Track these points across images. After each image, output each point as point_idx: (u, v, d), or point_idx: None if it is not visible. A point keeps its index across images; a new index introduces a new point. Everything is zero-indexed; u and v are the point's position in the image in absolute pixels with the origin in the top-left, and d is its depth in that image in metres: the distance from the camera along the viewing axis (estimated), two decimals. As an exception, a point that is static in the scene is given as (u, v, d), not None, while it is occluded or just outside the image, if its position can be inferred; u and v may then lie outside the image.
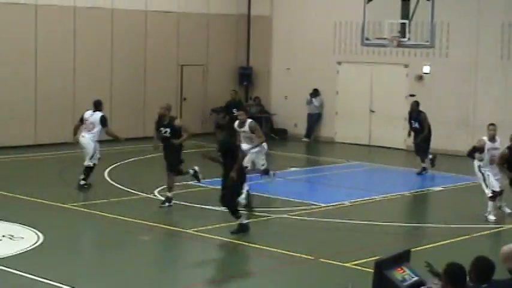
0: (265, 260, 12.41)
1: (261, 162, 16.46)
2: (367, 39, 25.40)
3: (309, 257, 12.26)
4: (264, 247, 12.71)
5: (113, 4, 25.69)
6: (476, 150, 15.41)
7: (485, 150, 15.14)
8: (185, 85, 27.83)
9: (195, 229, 13.73)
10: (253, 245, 12.94)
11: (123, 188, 17.58)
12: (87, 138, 17.35)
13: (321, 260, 12.14)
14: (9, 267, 11.21)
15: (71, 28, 24.82)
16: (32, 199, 16.04)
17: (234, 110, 20.25)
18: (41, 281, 10.67)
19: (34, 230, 13.33)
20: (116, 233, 14.33)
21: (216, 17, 28.47)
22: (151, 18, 26.67)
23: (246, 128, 16.06)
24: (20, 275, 10.92)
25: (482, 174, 15.21)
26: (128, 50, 26.15)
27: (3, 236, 13.00)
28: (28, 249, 12.35)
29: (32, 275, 10.89)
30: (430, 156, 20.18)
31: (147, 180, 18.47)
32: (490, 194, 15.03)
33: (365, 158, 23.25)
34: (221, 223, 14.21)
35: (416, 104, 20.43)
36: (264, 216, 15.24)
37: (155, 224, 14.38)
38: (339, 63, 26.78)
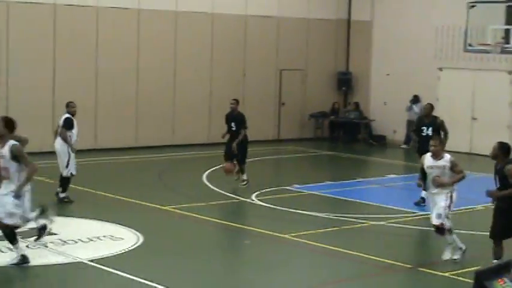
0: (361, 266, 12.24)
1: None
2: (469, 45, 24.83)
3: (407, 266, 12.06)
4: (360, 254, 12.54)
5: (213, 9, 26.00)
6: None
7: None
8: (284, 90, 27.92)
9: (294, 234, 13.67)
10: (349, 252, 12.78)
11: (221, 191, 17.73)
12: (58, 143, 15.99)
13: (419, 269, 11.91)
14: (109, 267, 11.40)
15: (172, 33, 25.27)
16: (132, 200, 16.36)
17: (232, 125, 18.38)
18: (139, 281, 10.81)
19: (134, 231, 13.55)
20: (215, 236, 14.51)
21: (315, 22, 28.46)
22: (251, 23, 26.87)
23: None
24: (119, 274, 11.08)
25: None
26: (228, 54, 26.42)
27: (104, 236, 13.27)
28: (128, 249, 12.55)
29: (130, 275, 11.04)
30: None
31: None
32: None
33: (466, 166, 22.60)
34: (319, 229, 14.17)
35: (430, 108, 17.34)
36: (360, 223, 15.06)
37: (252, 228, 14.42)
38: (440, 69, 26.39)
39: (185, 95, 25.51)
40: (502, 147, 11.22)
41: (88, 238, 13.25)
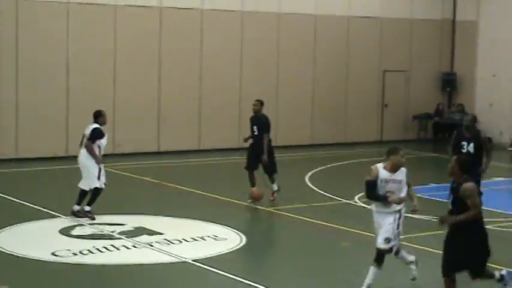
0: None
1: None
2: None
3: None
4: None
5: (316, 10, 26.04)
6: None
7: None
8: (387, 91, 27.74)
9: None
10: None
11: (324, 192, 17.69)
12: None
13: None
14: (212, 267, 11.53)
15: (275, 34, 25.43)
16: (234, 201, 16.52)
17: (255, 128, 16.30)
18: (241, 281, 10.90)
19: (237, 231, 13.69)
20: (315, 237, 14.41)
21: (419, 22, 28.16)
22: (354, 24, 26.79)
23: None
24: (223, 275, 11.18)
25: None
26: (331, 55, 26.42)
27: (208, 236, 13.42)
28: (231, 250, 12.68)
29: (234, 275, 11.13)
30: None
31: (347, 186, 18.47)
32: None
33: None
34: (423, 232, 13.90)
35: (473, 121, 14.75)
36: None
37: (354, 230, 14.28)
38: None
39: (287, 97, 25.65)
40: (459, 162, 9.25)
41: (192, 238, 13.41)
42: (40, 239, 13.48)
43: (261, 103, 16.33)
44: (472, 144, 13.74)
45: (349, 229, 14.37)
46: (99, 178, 14.26)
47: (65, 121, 22.57)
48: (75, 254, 12.38)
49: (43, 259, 12.15)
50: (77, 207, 14.39)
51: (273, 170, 16.24)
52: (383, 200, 10.11)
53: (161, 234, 13.72)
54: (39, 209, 15.58)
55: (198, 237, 13.34)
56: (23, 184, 19.11)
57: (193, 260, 12.00)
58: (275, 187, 16.30)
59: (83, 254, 12.43)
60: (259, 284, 10.69)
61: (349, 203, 16.78)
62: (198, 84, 24.38)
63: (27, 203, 16.26)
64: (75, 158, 15.04)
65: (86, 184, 14.32)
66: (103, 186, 14.40)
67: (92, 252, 12.48)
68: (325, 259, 12.89)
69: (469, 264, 9.27)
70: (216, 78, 24.48)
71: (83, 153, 14.30)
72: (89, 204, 14.36)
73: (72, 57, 22.49)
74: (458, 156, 9.49)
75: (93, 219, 14.22)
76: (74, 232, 13.92)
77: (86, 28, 22.75)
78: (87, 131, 14.28)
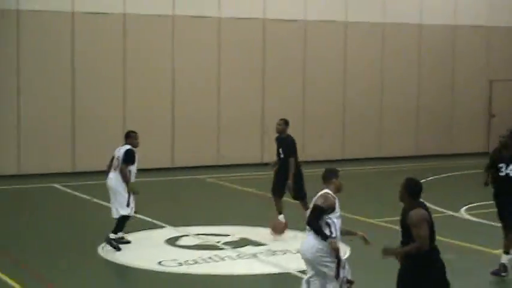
0: None
1: None
2: None
3: None
4: None
5: (421, 20, 25.85)
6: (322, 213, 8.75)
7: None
8: (494, 101, 27.14)
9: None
10: None
11: (429, 204, 17.31)
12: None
13: None
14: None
15: (379, 44, 25.32)
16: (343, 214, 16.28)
17: (280, 151, 14.44)
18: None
19: (342, 242, 13.56)
20: None
21: (528, 31, 27.48)
22: (460, 33, 26.55)
23: None
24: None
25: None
26: (436, 65, 26.14)
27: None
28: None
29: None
30: None
31: (454, 197, 18.14)
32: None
33: None
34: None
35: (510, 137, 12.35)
36: None
37: (459, 243, 13.93)
38: None
39: (392, 107, 25.50)
40: (408, 185, 8.02)
41: (296, 250, 13.03)
42: (146, 249, 13.67)
43: (286, 122, 14.46)
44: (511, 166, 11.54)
45: (454, 241, 14.06)
46: (128, 205, 13.12)
47: (171, 131, 23.16)
48: (181, 264, 12.53)
49: (150, 269, 12.34)
50: (112, 235, 13.07)
51: (303, 195, 14.40)
52: (325, 240, 8.55)
53: (265, 245, 13.78)
54: (146, 220, 15.79)
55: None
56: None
57: (298, 271, 11.89)
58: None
59: (189, 263, 12.57)
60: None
61: (455, 215, 16.47)
62: (302, 94, 24.54)
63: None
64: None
65: (114, 211, 13.18)
66: (132, 214, 13.25)
67: (198, 263, 12.62)
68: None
69: None
70: (320, 89, 24.57)
71: (113, 177, 13.16)
72: (114, 232, 13.02)
73: (178, 69, 23.03)
74: (406, 180, 8.02)
75: (119, 249, 12.92)
76: (180, 242, 14.13)
77: (190, 41, 23.25)
78: (119, 153, 13.18)
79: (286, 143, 14.23)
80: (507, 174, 11.53)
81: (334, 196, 8.78)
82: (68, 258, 12.96)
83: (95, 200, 17.79)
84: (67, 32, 21.55)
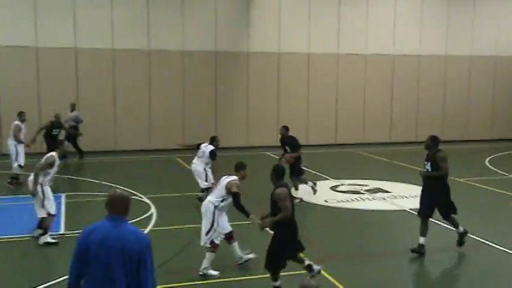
0: None
1: None
2: None
3: None
4: None
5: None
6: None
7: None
8: None
9: None
10: None
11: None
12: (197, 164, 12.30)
13: None
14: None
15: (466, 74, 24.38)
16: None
17: (287, 148, 13.18)
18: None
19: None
20: (491, 199, 13.32)
21: None
22: None
23: None
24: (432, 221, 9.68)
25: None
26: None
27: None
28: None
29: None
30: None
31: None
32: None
33: None
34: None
35: None
36: None
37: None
38: None
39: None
40: (275, 169, 7.32)
41: (410, 195, 13.25)
42: (318, 192, 13.49)
43: (286, 128, 13.33)
44: None
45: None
46: (206, 180, 12.28)
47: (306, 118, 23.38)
48: (339, 202, 12.92)
49: (319, 204, 12.70)
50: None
51: (297, 175, 12.98)
52: (246, 215, 8.05)
53: (390, 192, 13.81)
54: (316, 174, 15.88)
55: (416, 195, 12.63)
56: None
57: (409, 209, 11.98)
58: (310, 183, 13.20)
59: (343, 201, 12.94)
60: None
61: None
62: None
63: (305, 168, 16.60)
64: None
65: (201, 182, 12.35)
66: (210, 185, 12.04)
67: (348, 201, 12.94)
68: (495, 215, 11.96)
69: (277, 258, 7.22)
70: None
71: (196, 162, 12.42)
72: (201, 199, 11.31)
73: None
74: (274, 166, 7.36)
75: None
76: (338, 188, 14.35)
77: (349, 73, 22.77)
78: (207, 149, 12.35)
79: (291, 142, 13.05)
80: None
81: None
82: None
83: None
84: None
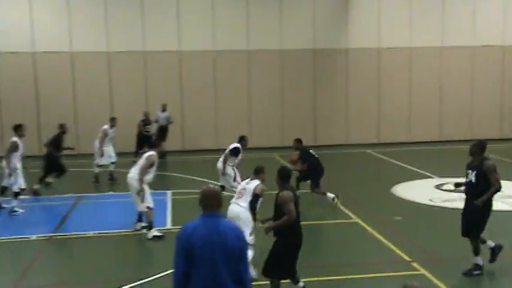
0: None
1: None
2: None
3: None
4: None
5: None
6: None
7: None
8: None
9: None
10: None
11: None
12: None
13: None
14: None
15: None
16: None
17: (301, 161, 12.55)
18: None
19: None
20: None
21: None
22: None
23: None
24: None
25: None
26: None
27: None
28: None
29: None
30: None
31: None
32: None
33: None
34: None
35: None
36: None
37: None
38: None
39: None
40: (280, 172, 7.09)
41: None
42: (422, 190, 13.67)
43: (298, 141, 12.74)
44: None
45: None
46: (235, 180, 12.01)
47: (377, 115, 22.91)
48: (444, 201, 12.59)
49: (422, 203, 12.46)
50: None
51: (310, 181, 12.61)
52: (253, 217, 8.13)
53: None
54: (419, 172, 15.85)
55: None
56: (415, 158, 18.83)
57: None
58: (330, 196, 12.46)
59: (449, 201, 12.56)
60: None
61: None
62: None
63: (408, 166, 16.71)
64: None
65: (224, 182, 12.21)
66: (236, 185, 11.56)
67: (456, 200, 12.10)
68: None
69: (280, 268, 7.01)
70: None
71: (220, 160, 12.28)
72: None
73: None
74: (280, 167, 7.21)
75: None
76: (444, 187, 13.98)
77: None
78: (230, 146, 12.33)
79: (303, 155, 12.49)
80: None
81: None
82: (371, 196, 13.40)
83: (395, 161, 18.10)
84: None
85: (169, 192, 13.72)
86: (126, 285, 8.00)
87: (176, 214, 11.79)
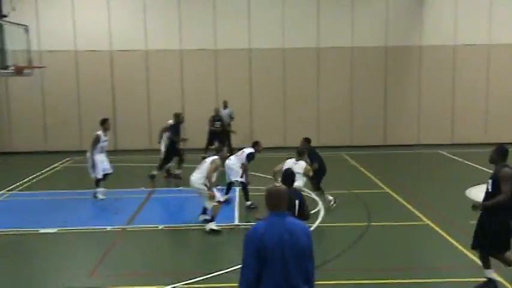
0: None
1: None
2: None
3: None
4: None
5: None
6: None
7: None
8: None
9: None
10: None
11: None
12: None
13: None
14: None
15: None
16: None
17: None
18: None
19: None
20: None
21: None
22: None
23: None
24: None
25: None
26: None
27: None
28: None
29: None
30: None
31: None
32: None
33: None
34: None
35: None
36: None
37: None
38: None
39: None
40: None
41: None
42: None
43: (306, 140, 12.27)
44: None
45: None
46: (242, 176, 12.28)
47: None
48: None
49: None
50: (248, 203, 12.23)
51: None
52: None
53: None
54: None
55: None
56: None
57: None
58: (329, 197, 12.15)
59: None
60: None
61: None
62: None
63: (484, 168, 16.23)
64: None
65: (234, 176, 12.42)
66: (246, 182, 12.33)
67: None
68: None
69: None
70: None
71: (234, 160, 12.41)
72: (247, 199, 12.22)
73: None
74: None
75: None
76: None
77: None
78: (246, 151, 12.45)
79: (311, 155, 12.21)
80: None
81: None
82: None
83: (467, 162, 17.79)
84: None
85: (237, 189, 13.85)
86: (195, 278, 8.13)
87: (243, 210, 12.01)
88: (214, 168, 10.55)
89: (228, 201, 12.44)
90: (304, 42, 21.32)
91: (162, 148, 16.07)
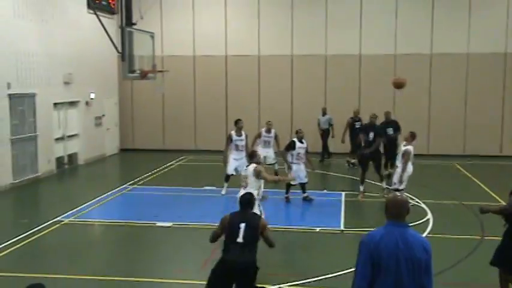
0: None
1: None
2: None
3: None
4: None
5: None
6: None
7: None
8: None
9: None
10: None
11: None
12: None
13: None
14: None
15: None
16: None
17: (371, 135, 13.56)
18: None
19: None
20: None
21: None
22: None
23: None
24: None
25: None
26: None
27: None
28: None
29: None
30: None
31: None
32: None
33: None
34: None
35: None
36: None
37: None
38: None
39: None
40: None
41: None
42: None
43: (375, 116, 14.16)
44: None
45: None
46: (290, 168, 12.81)
47: None
48: None
49: None
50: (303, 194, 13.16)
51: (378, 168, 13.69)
52: None
53: None
54: None
55: None
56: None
57: None
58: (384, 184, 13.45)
59: None
60: None
61: None
62: None
63: None
64: None
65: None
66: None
67: None
68: None
69: None
70: None
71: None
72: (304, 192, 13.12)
73: None
74: None
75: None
76: None
77: None
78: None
79: (376, 129, 13.84)
80: None
81: None
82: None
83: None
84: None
85: (343, 194, 13.78)
86: (298, 281, 8.10)
87: (348, 215, 11.89)
88: (257, 175, 9.47)
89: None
90: (415, 48, 20.89)
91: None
